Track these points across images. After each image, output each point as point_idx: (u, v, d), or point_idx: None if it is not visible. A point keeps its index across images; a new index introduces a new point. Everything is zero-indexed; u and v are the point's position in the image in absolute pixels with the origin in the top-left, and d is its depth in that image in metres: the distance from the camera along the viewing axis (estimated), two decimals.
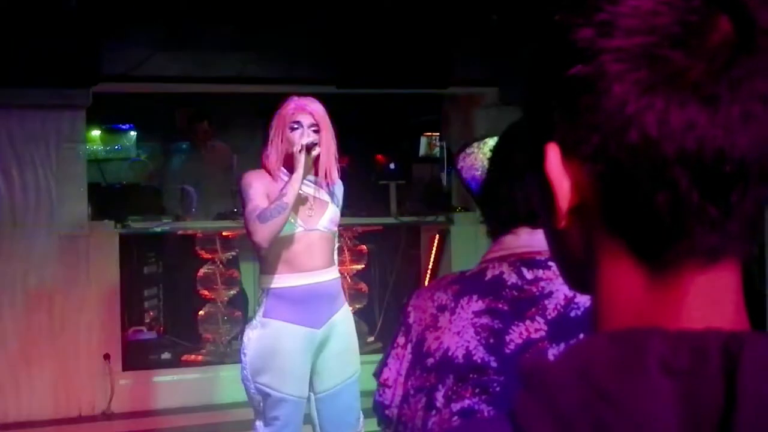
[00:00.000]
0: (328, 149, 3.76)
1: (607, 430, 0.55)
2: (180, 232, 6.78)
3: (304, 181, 3.72)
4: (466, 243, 6.60)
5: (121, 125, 8.65)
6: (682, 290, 0.60)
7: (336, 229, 3.93)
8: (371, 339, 6.78)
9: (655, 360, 0.56)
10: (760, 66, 0.58)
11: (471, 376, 1.39)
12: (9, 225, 5.77)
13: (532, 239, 1.50)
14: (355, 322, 6.62)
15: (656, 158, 0.58)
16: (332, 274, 3.89)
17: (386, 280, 7.21)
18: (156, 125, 8.39)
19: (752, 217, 0.60)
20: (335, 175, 3.83)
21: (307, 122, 3.72)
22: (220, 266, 6.52)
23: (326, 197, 3.84)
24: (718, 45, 0.58)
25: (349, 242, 6.69)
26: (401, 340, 1.52)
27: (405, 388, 1.47)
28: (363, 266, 6.78)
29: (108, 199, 6.43)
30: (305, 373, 3.81)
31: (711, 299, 0.60)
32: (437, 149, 8.20)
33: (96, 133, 8.31)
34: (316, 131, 3.73)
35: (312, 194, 3.80)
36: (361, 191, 7.56)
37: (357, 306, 6.67)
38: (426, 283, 6.96)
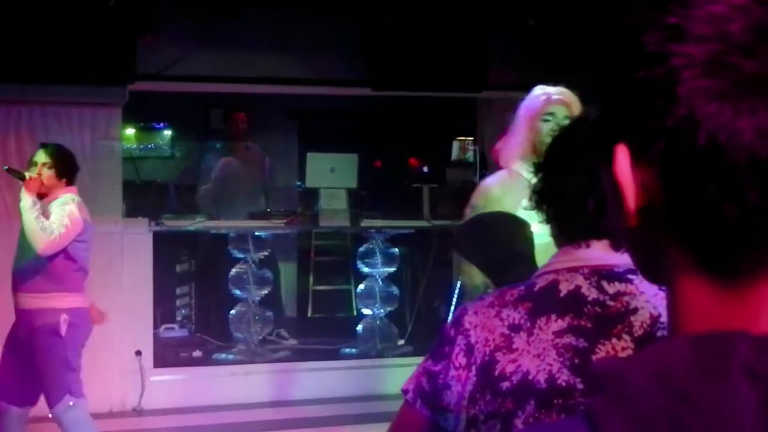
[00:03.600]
0: None
1: None
2: (213, 232, 6.81)
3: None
4: None
5: (156, 124, 8.70)
6: (758, 298, 0.59)
7: None
8: (401, 342, 6.77)
9: (739, 364, 0.55)
10: None
11: (555, 401, 1.32)
12: None
13: (606, 253, 1.43)
14: (386, 324, 6.67)
15: (725, 166, 0.57)
16: None
17: (417, 284, 7.20)
18: (191, 124, 8.45)
19: None
20: None
21: (561, 114, 3.34)
22: (253, 266, 6.54)
23: None
24: None
25: (381, 245, 6.69)
26: (461, 360, 1.41)
27: (471, 413, 1.38)
28: (394, 269, 6.78)
29: (142, 196, 6.47)
30: None
31: None
32: (470, 153, 8.19)
33: (131, 131, 8.36)
34: None
35: None
36: (394, 194, 7.57)
37: (388, 308, 6.68)
38: (457, 288, 6.93)
